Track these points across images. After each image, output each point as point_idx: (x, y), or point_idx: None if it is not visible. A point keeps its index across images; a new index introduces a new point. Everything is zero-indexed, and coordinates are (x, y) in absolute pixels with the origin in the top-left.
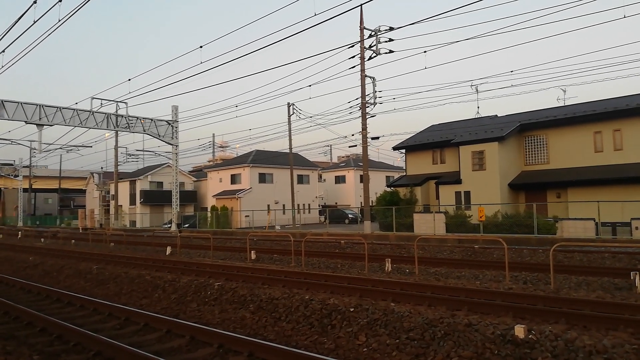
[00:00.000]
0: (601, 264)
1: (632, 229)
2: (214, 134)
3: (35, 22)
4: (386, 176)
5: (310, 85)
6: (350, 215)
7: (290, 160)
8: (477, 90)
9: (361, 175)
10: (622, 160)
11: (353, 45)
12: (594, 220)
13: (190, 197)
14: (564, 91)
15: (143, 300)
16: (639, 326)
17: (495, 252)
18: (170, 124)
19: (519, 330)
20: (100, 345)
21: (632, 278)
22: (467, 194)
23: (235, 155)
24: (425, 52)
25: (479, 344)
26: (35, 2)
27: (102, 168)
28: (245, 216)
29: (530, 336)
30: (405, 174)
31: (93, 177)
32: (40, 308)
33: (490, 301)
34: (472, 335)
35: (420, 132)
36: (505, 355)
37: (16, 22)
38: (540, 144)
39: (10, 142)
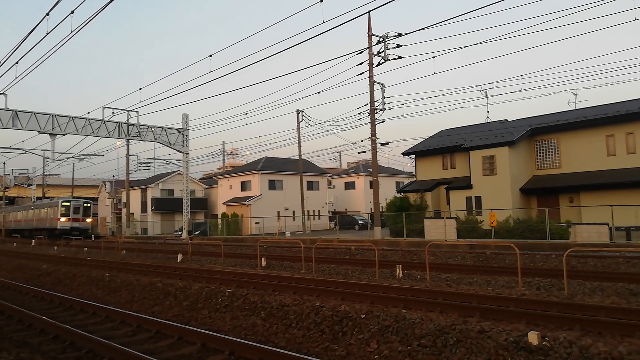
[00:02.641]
0: (616, 270)
1: None
2: (224, 142)
3: (47, 33)
4: (396, 182)
5: (319, 92)
6: (360, 222)
7: (299, 166)
8: (486, 94)
9: (371, 181)
10: (635, 164)
11: (361, 52)
12: (608, 225)
13: (200, 205)
14: (575, 95)
15: (155, 308)
16: None
17: (507, 257)
18: (180, 132)
19: (533, 337)
20: (112, 352)
21: None
22: (478, 199)
23: (245, 163)
24: (434, 57)
25: (492, 350)
26: (47, 15)
27: (113, 176)
28: (256, 223)
29: (544, 343)
30: (415, 179)
31: (105, 185)
32: (53, 315)
33: (503, 307)
34: (485, 342)
35: (430, 137)
36: None
37: (29, 34)
38: (551, 148)
39: (23, 152)
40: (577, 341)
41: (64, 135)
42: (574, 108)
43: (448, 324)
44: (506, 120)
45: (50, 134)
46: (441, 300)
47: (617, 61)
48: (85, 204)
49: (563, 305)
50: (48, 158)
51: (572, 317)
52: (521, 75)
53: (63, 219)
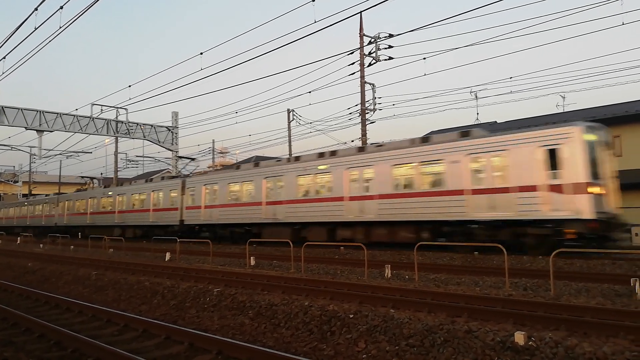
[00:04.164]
0: (601, 271)
1: (632, 235)
2: (213, 140)
3: (36, 28)
4: None
5: (310, 92)
6: None
7: None
8: (476, 96)
9: None
10: (621, 167)
11: (353, 52)
12: None
13: None
14: (563, 97)
15: (142, 307)
16: (639, 333)
17: (495, 258)
18: (170, 130)
19: (519, 337)
20: (98, 351)
21: (632, 285)
22: None
23: (235, 161)
24: (424, 58)
25: (479, 350)
26: (36, 9)
27: (101, 174)
28: None
29: (530, 343)
30: None
31: (93, 182)
32: (39, 314)
33: (490, 308)
34: (472, 342)
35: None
36: None
37: (17, 28)
38: None
39: (10, 148)
40: (562, 341)
41: (51, 131)
42: (562, 111)
43: (436, 324)
44: (495, 122)
45: (37, 130)
46: (429, 301)
47: (605, 65)
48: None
49: (549, 306)
50: (35, 155)
51: (558, 317)
52: (510, 78)
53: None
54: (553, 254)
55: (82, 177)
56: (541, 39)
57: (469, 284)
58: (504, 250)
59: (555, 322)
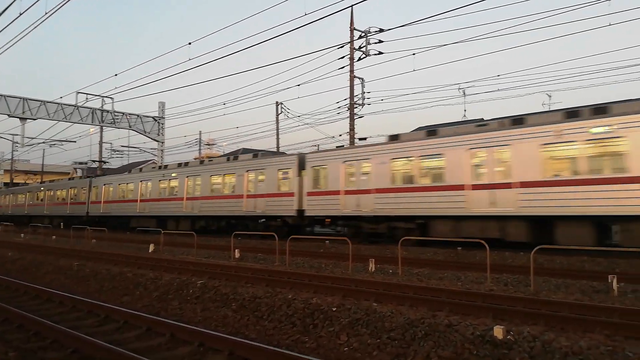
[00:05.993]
0: (580, 267)
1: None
2: (200, 132)
3: (21, 14)
4: None
5: (299, 85)
6: None
7: None
8: (464, 93)
9: None
10: None
11: (343, 46)
12: None
13: None
14: (550, 96)
15: (124, 298)
16: (614, 328)
17: (478, 254)
18: (156, 121)
19: (498, 331)
20: (78, 342)
21: (609, 281)
22: None
23: (222, 153)
24: (414, 54)
25: (459, 344)
26: None
27: (86, 163)
28: None
29: (508, 337)
30: None
31: (76, 172)
32: (18, 304)
33: (471, 302)
34: (452, 336)
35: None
36: (484, 355)
37: (1, 14)
38: None
39: None
40: (540, 336)
41: (34, 119)
42: (548, 109)
43: (417, 318)
44: (482, 119)
45: (20, 118)
46: (411, 295)
47: (591, 65)
48: None
49: (528, 301)
50: (17, 143)
51: (537, 312)
52: (498, 75)
53: None
54: (534, 250)
55: (77, 164)
56: (529, 38)
57: (452, 279)
58: (487, 246)
59: (534, 317)
